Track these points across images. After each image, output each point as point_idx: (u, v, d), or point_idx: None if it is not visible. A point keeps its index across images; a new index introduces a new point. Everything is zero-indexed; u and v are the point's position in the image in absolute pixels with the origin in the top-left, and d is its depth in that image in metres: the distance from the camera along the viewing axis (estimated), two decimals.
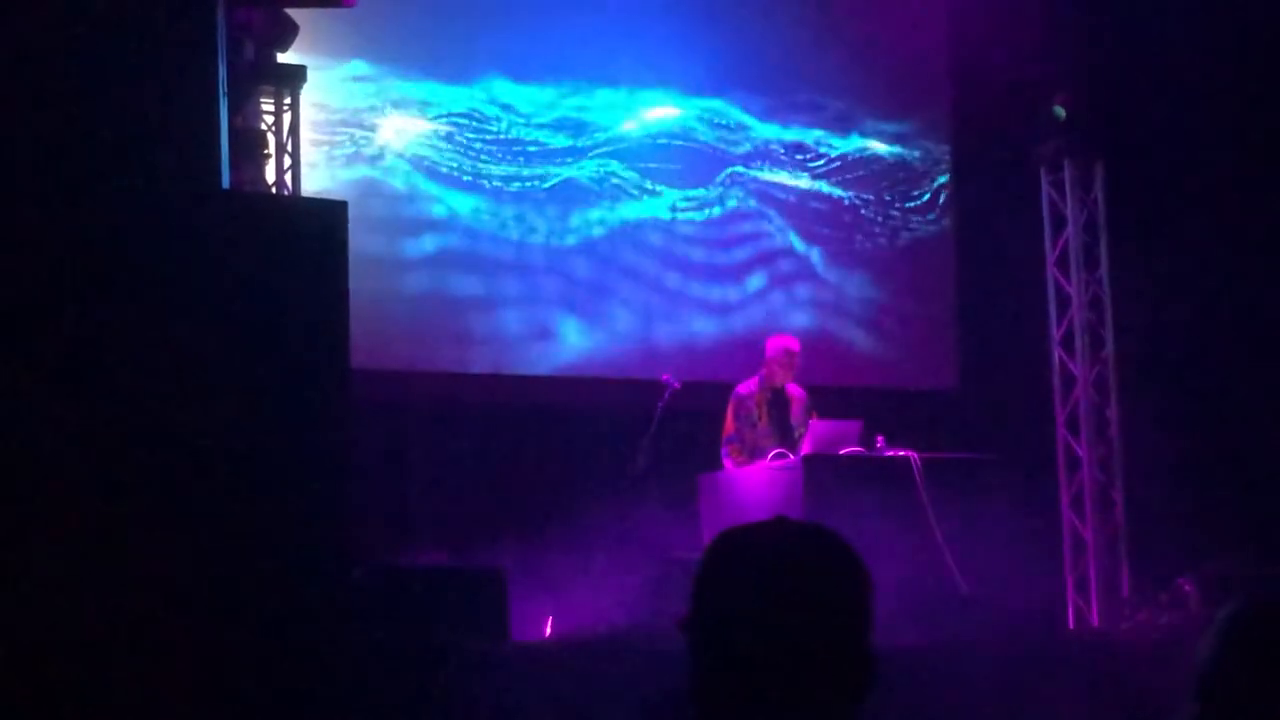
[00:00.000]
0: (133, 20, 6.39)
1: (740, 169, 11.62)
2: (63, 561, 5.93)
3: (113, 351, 6.12)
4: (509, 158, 10.97)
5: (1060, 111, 10.72)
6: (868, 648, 2.13)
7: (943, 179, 12.23)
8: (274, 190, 9.10)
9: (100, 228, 6.23)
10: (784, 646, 2.08)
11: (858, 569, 2.17)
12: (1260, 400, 11.05)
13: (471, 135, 10.88)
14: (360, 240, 9.25)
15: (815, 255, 11.79)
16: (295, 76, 9.37)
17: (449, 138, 10.82)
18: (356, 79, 10.55)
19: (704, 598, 2.16)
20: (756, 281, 11.59)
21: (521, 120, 11.02)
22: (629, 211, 11.28)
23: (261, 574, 6.20)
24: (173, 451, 6.19)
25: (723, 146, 11.57)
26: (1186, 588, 9.58)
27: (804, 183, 11.80)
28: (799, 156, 11.80)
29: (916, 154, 12.17)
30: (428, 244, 10.73)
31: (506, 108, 10.99)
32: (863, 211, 11.97)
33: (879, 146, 12.05)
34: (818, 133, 11.85)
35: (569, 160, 11.13)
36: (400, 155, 10.68)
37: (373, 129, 10.58)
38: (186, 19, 6.58)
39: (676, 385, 9.75)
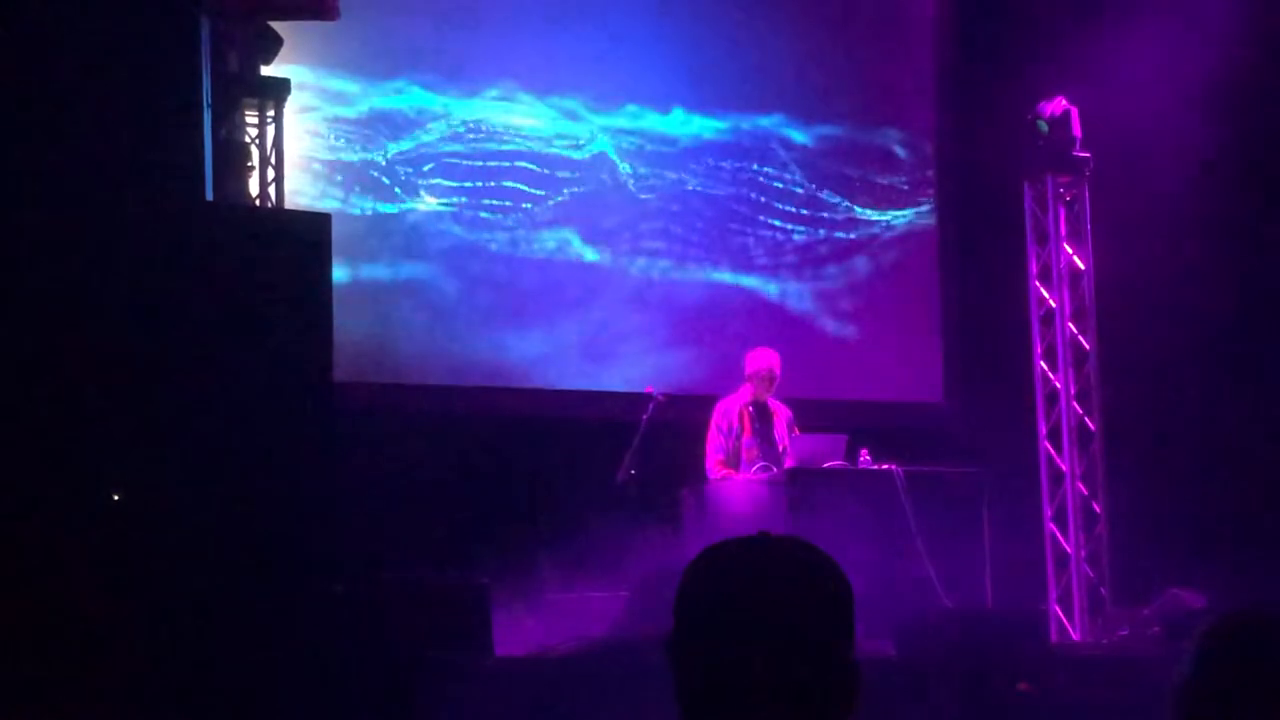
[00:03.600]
0: (118, 34, 6.40)
1: (721, 181, 11.62)
2: (42, 568, 5.92)
3: (97, 362, 6.12)
4: (494, 169, 10.97)
5: (1043, 125, 10.74)
6: (852, 659, 2.14)
7: (927, 191, 12.25)
8: (258, 203, 9.10)
9: (86, 239, 6.23)
10: (768, 661, 2.08)
11: (840, 582, 2.18)
12: (1244, 412, 11.07)
13: (451, 148, 10.87)
14: (344, 253, 9.27)
15: (800, 268, 11.79)
16: (279, 89, 9.37)
17: (434, 150, 10.80)
18: (337, 90, 10.53)
19: (687, 613, 2.16)
20: (741, 294, 11.59)
21: (498, 132, 11.01)
22: (613, 223, 11.27)
23: (247, 585, 6.20)
24: (155, 462, 6.18)
25: (699, 158, 11.56)
26: (1169, 602, 9.59)
27: (788, 195, 11.80)
28: (782, 170, 11.79)
29: (900, 167, 12.19)
30: (413, 252, 10.71)
31: (481, 120, 10.98)
32: (846, 223, 11.97)
33: (862, 159, 12.06)
34: (800, 145, 11.85)
35: (550, 171, 11.12)
36: (380, 167, 10.65)
37: (351, 139, 10.55)
38: (171, 33, 6.59)
39: (661, 398, 9.75)
